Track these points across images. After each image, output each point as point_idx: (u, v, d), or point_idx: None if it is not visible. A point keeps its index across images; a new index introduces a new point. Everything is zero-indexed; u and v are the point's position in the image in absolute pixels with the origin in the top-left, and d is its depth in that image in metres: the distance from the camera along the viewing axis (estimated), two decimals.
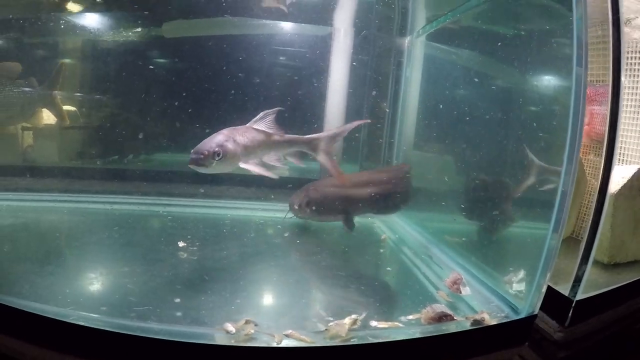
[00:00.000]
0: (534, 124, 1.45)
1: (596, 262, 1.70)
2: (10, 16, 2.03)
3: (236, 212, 1.97)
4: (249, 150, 1.41)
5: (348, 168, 2.09)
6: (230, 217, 1.93)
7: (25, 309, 1.02)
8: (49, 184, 1.95)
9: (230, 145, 1.33)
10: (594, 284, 1.50)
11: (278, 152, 1.55)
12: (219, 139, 1.34)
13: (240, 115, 1.99)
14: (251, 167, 1.41)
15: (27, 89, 2.01)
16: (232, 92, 1.96)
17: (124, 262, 1.31)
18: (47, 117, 2.12)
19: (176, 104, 2.03)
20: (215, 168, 1.31)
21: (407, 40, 2.03)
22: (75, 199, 1.87)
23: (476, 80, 1.72)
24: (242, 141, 1.40)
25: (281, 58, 2.03)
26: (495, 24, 1.60)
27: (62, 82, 2.05)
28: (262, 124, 1.52)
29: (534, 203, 1.37)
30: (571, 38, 1.20)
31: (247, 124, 1.50)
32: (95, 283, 1.27)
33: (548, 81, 1.46)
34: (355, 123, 1.61)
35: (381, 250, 1.73)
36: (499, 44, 1.57)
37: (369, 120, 1.74)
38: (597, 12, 1.42)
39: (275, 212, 1.92)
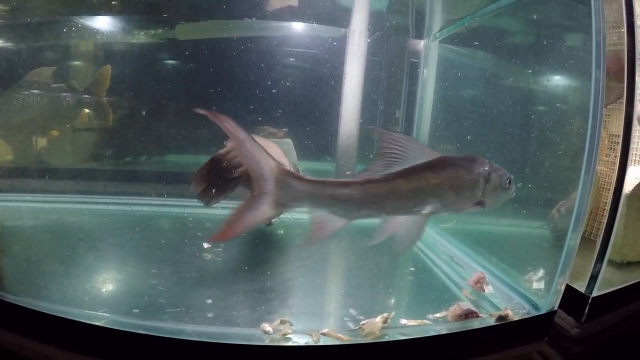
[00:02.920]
0: (551, 125, 1.48)
1: (609, 261, 1.73)
2: (29, 19, 2.04)
3: None
4: None
5: (361, 169, 2.11)
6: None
7: (56, 314, 1.02)
8: (65, 186, 1.96)
9: None
10: (607, 282, 1.53)
11: None
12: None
13: (254, 116, 2.02)
14: None
15: (70, 93, 2.03)
16: (246, 93, 1.98)
17: (150, 264, 1.33)
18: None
19: (189, 105, 2.05)
20: None
21: (423, 42, 2.06)
22: (94, 200, 1.88)
23: (493, 82, 1.75)
24: None
25: (294, 60, 2.05)
26: (513, 28, 1.63)
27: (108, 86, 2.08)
28: None
29: (553, 205, 1.40)
30: (590, 44, 1.22)
31: None
32: (124, 285, 1.28)
33: (565, 83, 1.49)
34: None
35: (389, 242, 1.74)
36: (517, 47, 1.60)
37: None
38: (612, 17, 1.45)
39: (295, 214, 1.93)
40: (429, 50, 2.02)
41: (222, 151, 1.47)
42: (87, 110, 2.15)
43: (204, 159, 1.48)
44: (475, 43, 1.80)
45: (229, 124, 1.00)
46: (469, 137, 1.78)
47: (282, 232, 1.83)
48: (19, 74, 1.99)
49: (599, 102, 1.20)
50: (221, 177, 1.47)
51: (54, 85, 2.03)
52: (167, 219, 1.85)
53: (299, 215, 1.88)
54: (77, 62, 2.25)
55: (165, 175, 2.05)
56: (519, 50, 1.65)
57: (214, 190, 1.50)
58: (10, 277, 1.27)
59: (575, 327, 1.43)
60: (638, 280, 1.67)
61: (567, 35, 1.48)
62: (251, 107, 1.99)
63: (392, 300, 1.26)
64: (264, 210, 0.98)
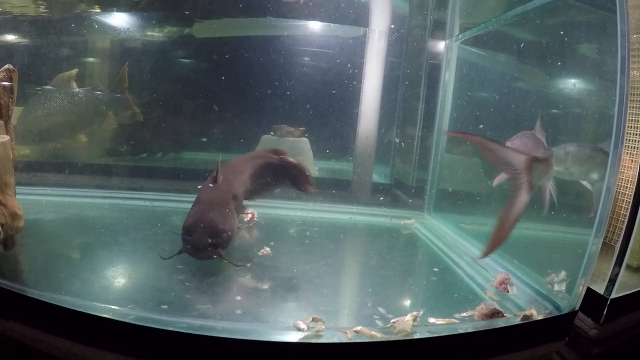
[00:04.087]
0: (573, 130, 1.50)
1: (626, 266, 1.76)
2: (48, 16, 2.04)
3: (274, 212, 1.98)
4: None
5: (380, 169, 2.13)
6: (269, 216, 1.94)
7: (81, 310, 1.01)
8: (83, 180, 1.97)
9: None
10: (624, 285, 1.55)
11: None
12: None
13: (271, 114, 2.03)
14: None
15: (97, 93, 2.03)
16: (263, 92, 1.99)
17: (175, 259, 1.33)
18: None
19: (204, 103, 2.06)
20: None
21: (444, 43, 2.08)
22: (113, 195, 1.89)
23: (513, 86, 1.76)
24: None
25: (313, 58, 2.06)
26: (535, 33, 1.64)
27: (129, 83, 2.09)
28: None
29: (575, 209, 1.42)
30: (616, 51, 1.23)
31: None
32: (150, 280, 1.28)
33: (587, 88, 1.51)
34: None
35: (417, 244, 1.81)
36: (539, 51, 1.61)
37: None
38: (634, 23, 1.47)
39: (317, 212, 1.96)
40: (450, 51, 2.03)
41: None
42: (111, 112, 2.16)
43: (217, 156, 1.56)
44: (497, 46, 1.81)
45: (479, 138, 1.23)
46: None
47: (293, 231, 1.85)
48: (38, 71, 1.99)
49: (623, 109, 1.21)
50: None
51: (81, 89, 2.04)
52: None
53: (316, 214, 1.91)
54: (92, 59, 2.26)
55: (183, 172, 2.05)
56: (540, 54, 1.67)
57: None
58: (31, 271, 1.27)
59: (594, 328, 1.45)
60: None
61: (590, 41, 1.49)
62: (268, 105, 2.00)
63: (419, 300, 1.28)
64: (524, 198, 1.16)
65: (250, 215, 1.80)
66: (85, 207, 1.79)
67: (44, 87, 2.04)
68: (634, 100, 1.68)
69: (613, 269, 1.46)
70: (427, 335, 1.05)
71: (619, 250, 1.45)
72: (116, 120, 2.17)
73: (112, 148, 2.17)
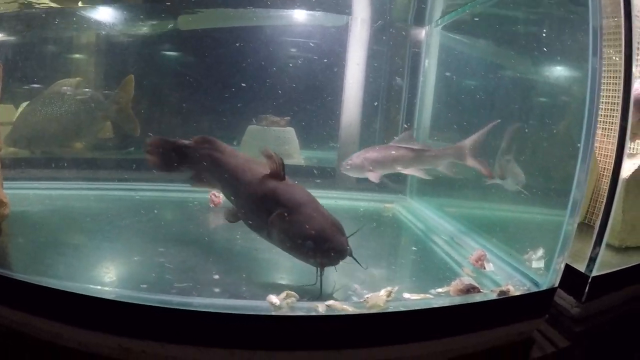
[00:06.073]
0: (551, 113, 1.51)
1: (608, 245, 1.76)
2: (30, 10, 2.05)
3: None
4: (377, 164, 1.73)
5: None
6: None
7: (63, 289, 1.03)
8: (71, 174, 1.99)
9: (357, 160, 1.74)
10: (606, 265, 1.56)
11: (428, 165, 1.77)
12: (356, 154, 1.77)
13: (257, 105, 2.05)
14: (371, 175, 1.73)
15: (95, 105, 2.03)
16: (248, 82, 2.00)
17: (157, 243, 1.35)
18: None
19: (190, 95, 2.07)
20: (349, 172, 1.75)
21: (424, 30, 2.09)
22: (100, 186, 1.91)
23: (494, 70, 1.77)
24: (372, 157, 1.72)
25: (297, 48, 2.07)
26: (515, 14, 1.65)
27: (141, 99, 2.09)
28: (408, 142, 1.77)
29: (553, 192, 1.43)
30: (587, 28, 1.25)
31: (391, 143, 1.79)
32: (131, 263, 1.31)
33: (566, 71, 1.52)
34: (491, 124, 1.65)
35: (394, 225, 1.85)
36: (517, 33, 1.62)
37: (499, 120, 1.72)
38: (610, 3, 1.48)
39: None
40: (430, 37, 2.05)
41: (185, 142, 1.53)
42: (110, 124, 2.15)
43: None
44: (478, 30, 1.82)
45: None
46: (465, 124, 1.82)
47: None
48: (20, 68, 2.00)
49: (595, 89, 1.22)
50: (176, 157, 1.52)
51: (79, 97, 2.04)
52: (173, 203, 1.88)
53: None
54: (77, 55, 2.27)
55: None
56: (521, 38, 1.68)
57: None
58: (16, 257, 1.30)
59: (576, 307, 1.46)
60: (638, 262, 1.70)
61: (569, 24, 1.50)
62: (253, 95, 2.01)
63: (395, 277, 1.29)
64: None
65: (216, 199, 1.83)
66: (71, 199, 1.81)
67: (33, 85, 2.05)
68: (611, 77, 1.68)
69: (593, 247, 1.46)
70: (400, 309, 1.06)
71: (599, 228, 1.45)
72: (115, 132, 2.17)
73: (99, 143, 2.19)
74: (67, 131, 2.08)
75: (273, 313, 0.99)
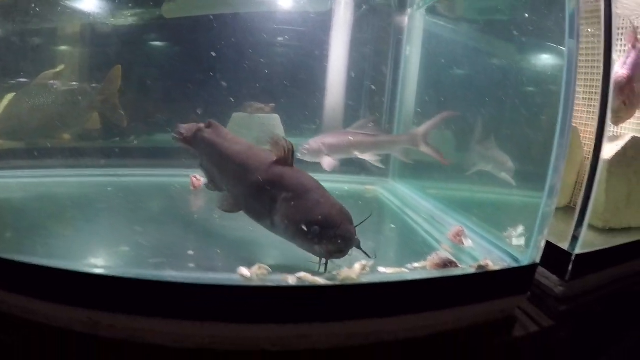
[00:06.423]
0: (529, 97, 1.50)
1: (592, 227, 1.76)
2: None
3: None
4: (334, 149, 1.79)
5: None
6: None
7: (37, 263, 1.01)
8: (54, 163, 1.98)
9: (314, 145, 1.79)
10: (590, 245, 1.55)
11: (384, 151, 1.87)
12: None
13: (242, 92, 2.04)
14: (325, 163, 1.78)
15: (81, 97, 2.02)
16: (233, 70, 2.00)
17: (135, 223, 1.35)
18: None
19: (175, 84, 2.06)
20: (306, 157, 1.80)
21: (407, 12, 2.09)
22: (82, 173, 1.90)
23: (475, 54, 1.77)
24: (329, 142, 1.77)
25: (282, 34, 2.07)
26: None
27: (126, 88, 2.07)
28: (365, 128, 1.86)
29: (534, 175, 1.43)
30: (564, 11, 1.24)
31: (348, 129, 1.88)
32: (107, 241, 1.31)
33: (548, 55, 1.51)
34: (445, 114, 1.80)
35: (375, 205, 1.88)
36: (499, 17, 1.62)
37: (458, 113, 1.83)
38: None
39: None
40: (413, 21, 2.04)
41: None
42: (97, 115, 2.14)
43: None
44: (458, 13, 1.82)
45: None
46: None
47: None
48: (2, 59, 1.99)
49: (572, 71, 1.21)
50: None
51: (65, 88, 2.03)
52: (154, 187, 1.88)
53: None
54: (63, 47, 2.25)
55: (153, 150, 2.07)
56: (502, 22, 1.67)
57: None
58: None
59: (560, 286, 1.44)
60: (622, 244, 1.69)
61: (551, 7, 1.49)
62: (238, 83, 2.01)
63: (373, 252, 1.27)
64: None
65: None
66: (54, 186, 1.81)
67: (18, 80, 2.04)
68: (590, 61, 1.68)
69: (576, 225, 1.45)
70: (372, 281, 1.04)
71: (581, 205, 1.44)
72: (102, 122, 2.16)
73: (85, 133, 2.18)
74: (54, 123, 2.07)
75: (242, 284, 0.98)
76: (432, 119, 1.79)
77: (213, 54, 1.96)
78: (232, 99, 2.01)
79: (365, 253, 1.09)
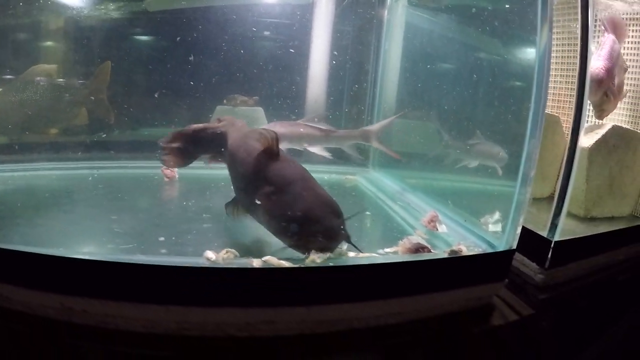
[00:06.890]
0: (508, 88, 1.49)
1: (573, 215, 1.75)
2: None
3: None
4: (283, 138, 1.68)
5: None
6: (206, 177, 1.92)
7: (7, 248, 1.01)
8: (35, 157, 1.98)
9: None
10: (570, 234, 1.54)
11: (334, 145, 1.86)
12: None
13: (225, 85, 2.04)
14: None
15: (69, 93, 2.01)
16: (216, 63, 1.99)
17: (110, 213, 1.35)
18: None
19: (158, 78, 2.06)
20: None
21: (387, 4, 2.09)
22: (62, 166, 1.90)
23: (457, 46, 1.76)
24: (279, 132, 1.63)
25: (264, 27, 2.07)
26: None
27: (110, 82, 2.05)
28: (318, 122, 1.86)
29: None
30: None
31: (299, 120, 1.87)
32: (83, 229, 1.31)
33: (529, 47, 1.51)
34: (398, 115, 1.92)
35: (353, 193, 1.90)
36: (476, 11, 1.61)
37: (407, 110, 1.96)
38: None
39: None
40: (392, 13, 2.05)
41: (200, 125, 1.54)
42: (85, 110, 2.14)
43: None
44: (439, 2, 1.82)
45: None
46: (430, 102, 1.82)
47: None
48: None
49: (545, 61, 1.20)
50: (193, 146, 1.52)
51: (53, 84, 2.02)
52: (132, 178, 1.88)
53: None
54: (48, 43, 2.25)
55: (135, 144, 2.07)
56: (481, 13, 1.67)
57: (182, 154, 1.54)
58: None
59: (540, 274, 1.43)
60: (603, 232, 1.68)
61: None
62: (221, 76, 2.01)
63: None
64: None
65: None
66: (33, 179, 1.80)
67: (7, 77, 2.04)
68: (573, 51, 1.67)
69: (554, 213, 1.44)
70: (340, 264, 1.03)
71: (559, 192, 1.43)
72: (88, 117, 2.16)
73: (69, 128, 2.17)
74: (41, 118, 2.07)
75: (204, 265, 0.97)
76: (387, 119, 1.93)
77: (191, 54, 1.95)
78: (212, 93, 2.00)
79: (356, 247, 1.05)
